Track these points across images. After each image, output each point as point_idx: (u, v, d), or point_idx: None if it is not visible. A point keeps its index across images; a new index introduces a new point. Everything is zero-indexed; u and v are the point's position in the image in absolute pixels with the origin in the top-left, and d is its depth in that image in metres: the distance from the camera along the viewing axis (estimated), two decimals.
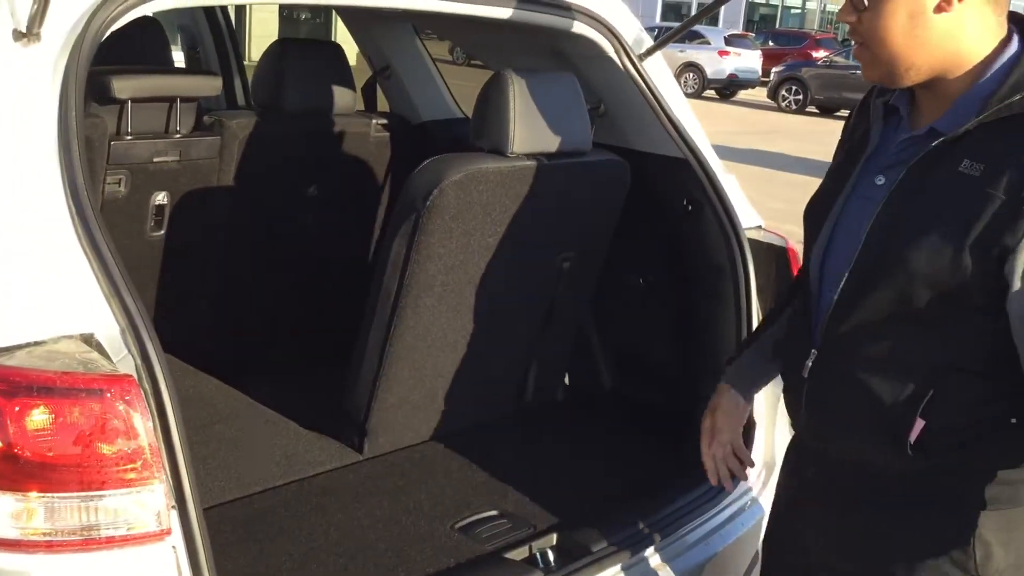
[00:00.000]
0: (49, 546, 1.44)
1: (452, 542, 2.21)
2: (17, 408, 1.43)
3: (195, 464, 2.35)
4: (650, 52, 2.74)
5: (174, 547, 1.53)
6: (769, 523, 1.98)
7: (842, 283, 1.62)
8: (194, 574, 1.57)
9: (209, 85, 3.03)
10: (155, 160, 2.89)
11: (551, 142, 2.46)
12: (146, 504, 1.49)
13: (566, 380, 3.08)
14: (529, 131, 2.40)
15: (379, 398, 2.48)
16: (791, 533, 1.83)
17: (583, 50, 2.70)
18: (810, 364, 1.70)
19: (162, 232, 3.00)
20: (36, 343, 1.52)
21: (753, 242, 2.64)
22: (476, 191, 2.35)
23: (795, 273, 2.65)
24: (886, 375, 1.59)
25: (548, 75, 2.51)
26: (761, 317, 2.63)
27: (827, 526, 1.74)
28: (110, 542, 1.47)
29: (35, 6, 1.63)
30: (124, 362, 1.57)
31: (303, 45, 3.22)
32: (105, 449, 1.46)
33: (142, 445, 1.48)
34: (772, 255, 2.66)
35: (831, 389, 1.68)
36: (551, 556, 2.16)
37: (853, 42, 1.63)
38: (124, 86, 2.78)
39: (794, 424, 1.83)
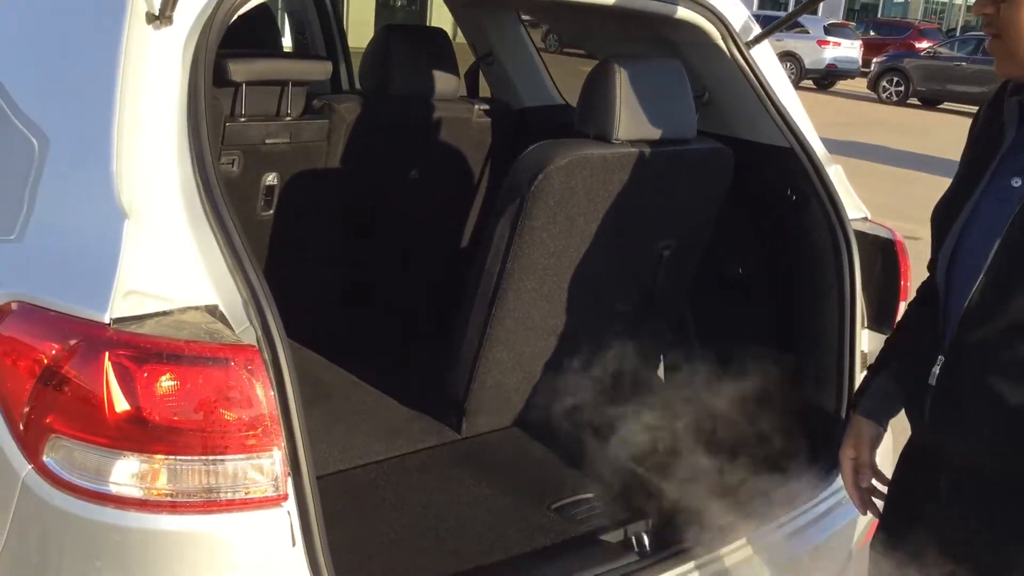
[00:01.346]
0: (172, 506, 1.51)
1: (548, 522, 2.24)
2: (146, 374, 1.50)
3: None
4: (758, 40, 2.73)
5: (289, 512, 1.59)
6: (880, 530, 1.93)
7: (974, 288, 1.58)
8: (306, 539, 1.63)
9: (320, 69, 3.10)
10: (267, 142, 2.98)
11: (655, 129, 2.47)
12: (265, 470, 1.55)
13: (661, 369, 3.08)
14: (634, 118, 2.41)
15: (478, 379, 2.52)
16: (911, 542, 1.78)
17: (689, 37, 2.70)
18: (937, 371, 1.65)
19: (271, 212, 3.09)
20: (164, 313, 1.59)
21: (859, 234, 2.61)
22: (580, 176, 2.38)
23: (902, 267, 2.62)
24: (1021, 382, 1.54)
25: (654, 62, 2.52)
26: (864, 311, 2.61)
27: (952, 534, 1.70)
28: (230, 505, 1.53)
29: None
30: (246, 333, 1.63)
31: (410, 31, 3.28)
32: (228, 415, 1.53)
33: (263, 413, 1.54)
34: (878, 248, 2.63)
35: (960, 397, 1.64)
36: (646, 540, 2.18)
37: (987, 35, 1.59)
38: (240, 69, 2.87)
39: (916, 433, 1.80)
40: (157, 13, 1.73)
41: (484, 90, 3.70)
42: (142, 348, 1.51)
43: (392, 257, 3.27)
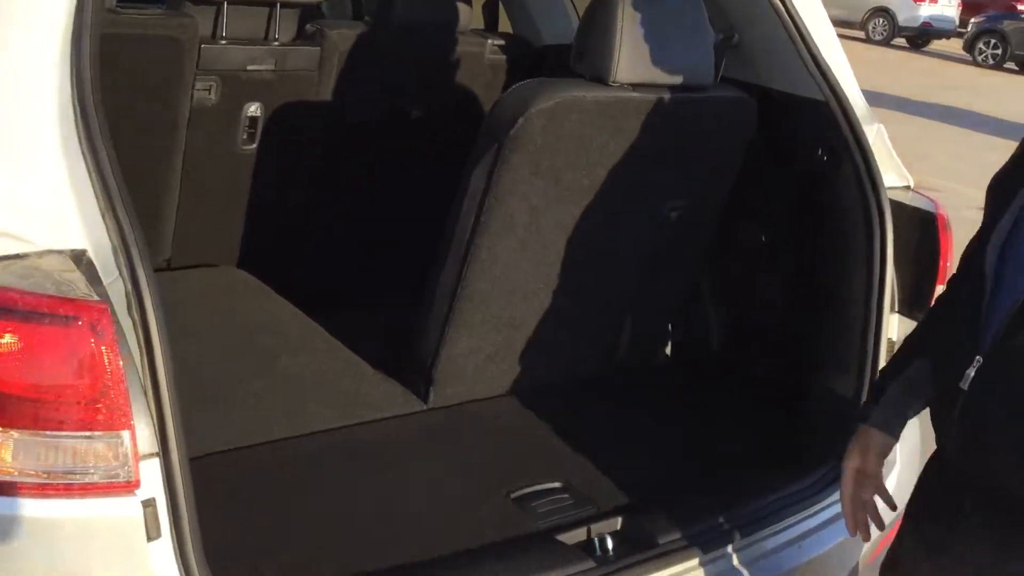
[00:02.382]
0: (12, 487, 1.28)
1: (504, 514, 1.98)
2: None
3: (253, 398, 2.23)
4: None
5: (144, 502, 1.34)
6: (893, 549, 1.68)
7: None
8: (175, 529, 1.39)
9: None
10: (248, 68, 2.72)
11: (664, 72, 2.14)
12: (110, 452, 1.30)
13: (668, 342, 2.78)
14: (637, 57, 2.09)
15: (447, 344, 2.25)
16: (925, 567, 1.56)
17: None
18: (972, 374, 1.41)
19: (254, 146, 2.84)
20: (18, 256, 1.34)
21: (896, 204, 2.26)
22: (568, 122, 2.07)
23: (943, 245, 2.27)
24: None
25: None
26: (896, 293, 2.28)
27: (972, 561, 1.48)
28: (68, 490, 1.29)
29: None
30: (114, 285, 1.38)
31: None
32: (66, 384, 1.28)
33: (108, 384, 1.29)
34: (917, 221, 2.28)
35: (997, 405, 1.39)
36: (610, 543, 1.89)
37: None
38: None
39: (941, 442, 1.54)
40: None
41: (505, 25, 3.38)
42: None
43: (385, 202, 2.99)
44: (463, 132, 3.11)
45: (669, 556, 1.88)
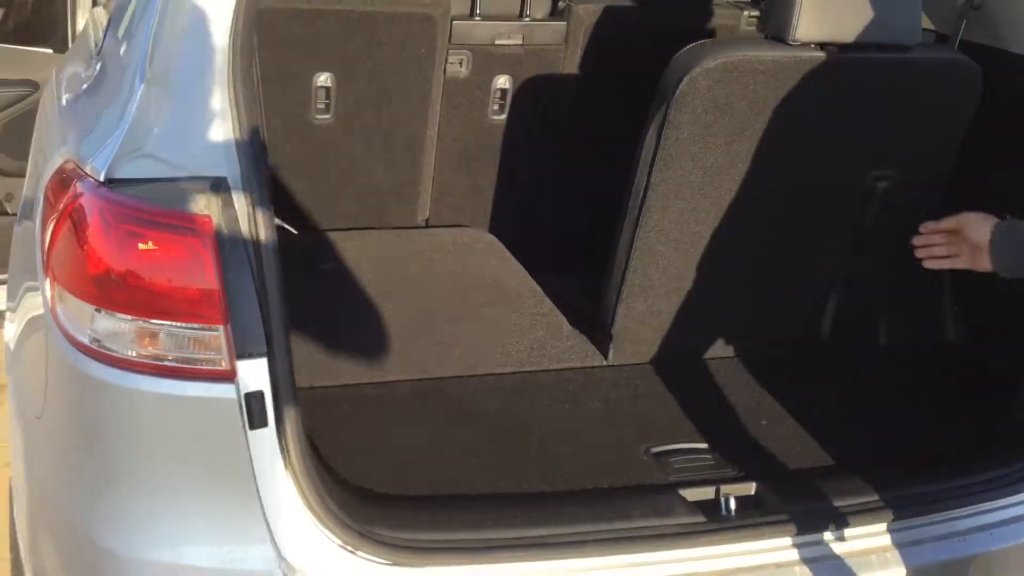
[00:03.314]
0: (130, 364, 1.56)
1: (636, 465, 2.02)
2: (124, 234, 1.55)
3: (452, 339, 2.44)
4: None
5: (248, 393, 1.57)
6: None
7: None
8: (277, 422, 1.60)
9: None
10: (497, 43, 2.92)
11: (854, 30, 2.05)
12: (213, 343, 1.55)
13: (888, 325, 2.61)
14: (822, 14, 2.02)
15: (624, 303, 2.31)
16: None
17: None
18: None
19: (504, 116, 3.04)
20: (170, 179, 1.61)
21: None
22: (740, 83, 2.05)
23: None
24: None
25: None
26: None
27: None
28: (178, 371, 1.55)
29: None
30: (241, 209, 1.62)
31: None
32: (182, 283, 1.54)
33: (211, 285, 1.53)
34: None
35: None
36: (733, 504, 1.88)
37: None
38: None
39: None
40: None
41: None
42: (123, 208, 1.56)
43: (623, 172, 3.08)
44: None
45: (784, 525, 1.83)
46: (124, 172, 1.60)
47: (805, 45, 2.05)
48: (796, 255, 2.35)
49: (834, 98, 2.11)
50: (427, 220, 3.16)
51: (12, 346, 2.08)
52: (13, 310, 2.12)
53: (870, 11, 2.03)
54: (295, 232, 2.53)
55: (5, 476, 2.27)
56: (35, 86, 3.29)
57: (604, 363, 2.39)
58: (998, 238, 1.69)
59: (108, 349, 1.58)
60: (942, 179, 2.31)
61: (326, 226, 3.01)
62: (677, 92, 2.05)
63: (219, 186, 1.61)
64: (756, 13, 3.04)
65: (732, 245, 2.27)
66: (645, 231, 2.21)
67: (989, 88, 2.18)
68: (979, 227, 1.70)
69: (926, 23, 2.61)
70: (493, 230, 3.15)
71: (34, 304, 1.80)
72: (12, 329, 2.11)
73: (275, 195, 2.88)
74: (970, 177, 2.32)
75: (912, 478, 1.98)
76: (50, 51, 3.41)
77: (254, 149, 1.63)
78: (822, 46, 2.06)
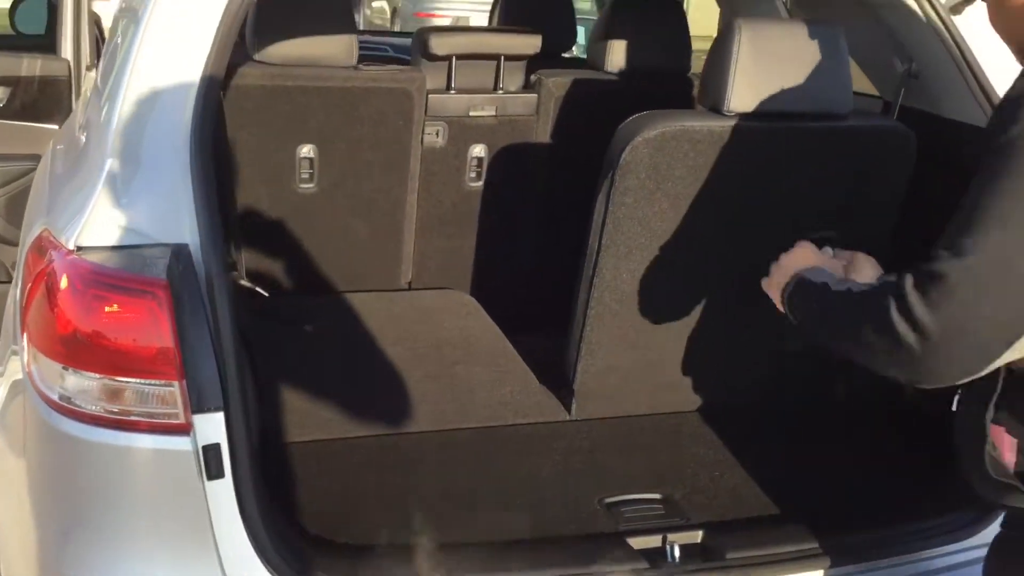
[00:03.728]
0: (93, 418, 1.68)
1: (587, 514, 2.10)
2: (90, 297, 1.68)
3: (421, 395, 2.54)
4: (963, 5, 2.28)
5: (205, 446, 1.68)
6: None
7: None
8: (234, 473, 1.71)
9: (528, 44, 3.11)
10: (471, 114, 3.07)
11: (786, 101, 2.17)
12: (169, 398, 1.66)
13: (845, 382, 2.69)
14: (754, 86, 2.15)
15: (583, 360, 2.41)
16: None
17: None
18: None
19: (481, 183, 3.18)
20: (134, 246, 1.74)
21: None
22: (680, 151, 2.18)
23: None
24: None
25: (797, 25, 2.23)
26: None
27: None
28: (136, 424, 1.67)
29: None
30: (199, 272, 1.74)
31: (637, 3, 3.17)
32: (142, 343, 1.66)
33: (167, 345, 1.65)
34: None
35: None
36: (677, 553, 1.96)
37: None
38: (442, 43, 3.00)
39: None
40: None
41: None
42: (90, 274, 1.69)
43: None
44: None
45: (727, 571, 1.91)
46: (93, 240, 1.73)
47: (736, 115, 2.17)
48: (746, 315, 2.45)
49: (770, 164, 2.23)
50: (409, 283, 3.29)
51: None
52: (1, 373, 2.25)
53: (801, 83, 2.16)
54: (266, 295, 2.66)
55: None
56: (39, 160, 3.47)
57: (567, 418, 2.49)
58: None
59: (75, 405, 1.70)
60: (884, 238, 2.41)
61: (312, 289, 3.14)
62: (621, 160, 2.17)
63: (179, 252, 1.74)
64: None
65: (683, 303, 2.37)
66: (599, 291, 2.32)
67: (926, 151, 2.30)
68: (863, 267, 1.75)
69: (873, 89, 2.75)
70: (473, 291, 3.27)
71: (16, 369, 1.92)
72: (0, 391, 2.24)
73: (261, 259, 3.03)
74: (912, 234, 2.42)
75: (856, 525, 2.05)
76: (55, 127, 3.60)
77: (213, 219, 1.76)
78: (753, 116, 2.18)
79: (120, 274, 1.69)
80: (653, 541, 2.00)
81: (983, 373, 1.35)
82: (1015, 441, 1.45)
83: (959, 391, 1.58)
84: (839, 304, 1.52)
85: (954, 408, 1.57)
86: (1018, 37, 1.46)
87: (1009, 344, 1.32)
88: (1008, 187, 1.29)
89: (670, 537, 2.00)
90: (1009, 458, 1.46)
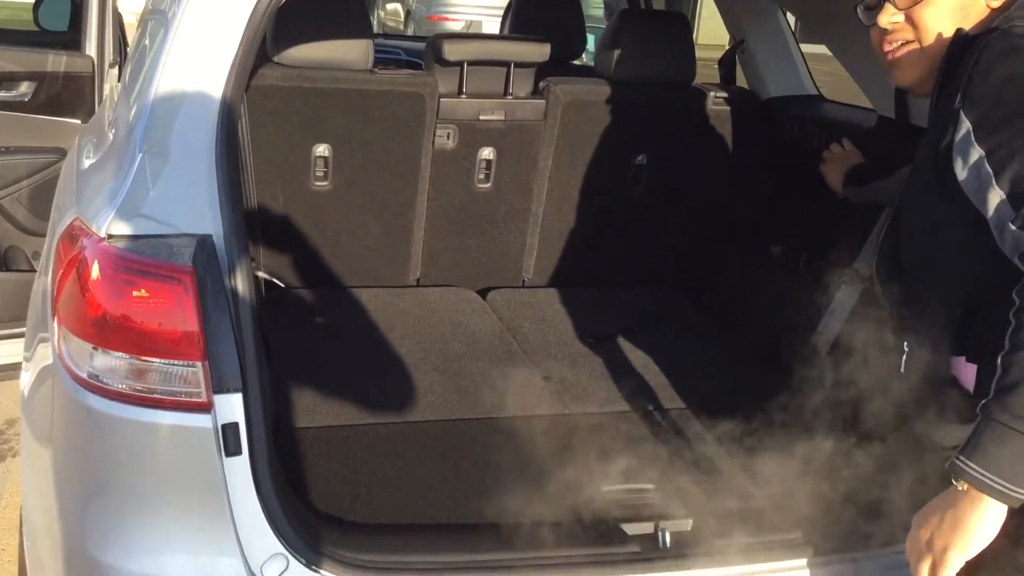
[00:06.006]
0: (121, 396, 1.79)
1: (587, 501, 2.20)
2: (120, 281, 1.79)
3: (427, 387, 2.65)
4: None
5: (224, 425, 1.79)
6: None
7: None
8: (251, 450, 1.82)
9: (537, 51, 3.21)
10: (481, 118, 3.18)
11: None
12: (192, 377, 1.77)
13: None
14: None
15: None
16: None
17: None
18: None
19: (489, 185, 3.29)
20: (160, 236, 1.85)
21: None
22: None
23: None
24: None
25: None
26: None
27: None
28: (161, 402, 1.78)
29: None
30: (223, 261, 1.85)
31: (644, 15, 3.29)
32: (168, 326, 1.77)
33: (191, 327, 1.76)
34: None
35: None
36: (667, 539, 2.06)
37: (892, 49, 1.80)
38: (454, 50, 3.11)
39: None
40: None
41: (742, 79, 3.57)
42: (120, 260, 1.80)
43: (612, 236, 3.34)
44: (689, 174, 3.36)
45: (716, 557, 2.01)
46: (123, 229, 1.84)
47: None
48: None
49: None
50: (418, 280, 3.40)
51: (26, 392, 2.31)
52: (28, 359, 2.36)
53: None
54: (282, 285, 2.77)
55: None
56: (63, 153, 3.59)
57: (567, 412, 2.59)
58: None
59: (103, 383, 1.80)
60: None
61: (324, 284, 3.25)
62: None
63: (204, 242, 1.85)
64: (723, 95, 3.28)
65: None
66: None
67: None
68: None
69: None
70: (479, 289, 3.38)
71: (46, 354, 2.03)
72: (27, 377, 2.34)
73: (276, 253, 3.15)
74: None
75: (844, 516, 2.15)
76: (78, 121, 3.72)
77: (236, 211, 1.87)
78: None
79: (148, 261, 1.79)
80: (646, 528, 2.11)
81: None
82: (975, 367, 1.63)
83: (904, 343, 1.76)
84: None
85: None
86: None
87: None
88: None
89: (662, 524, 2.11)
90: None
